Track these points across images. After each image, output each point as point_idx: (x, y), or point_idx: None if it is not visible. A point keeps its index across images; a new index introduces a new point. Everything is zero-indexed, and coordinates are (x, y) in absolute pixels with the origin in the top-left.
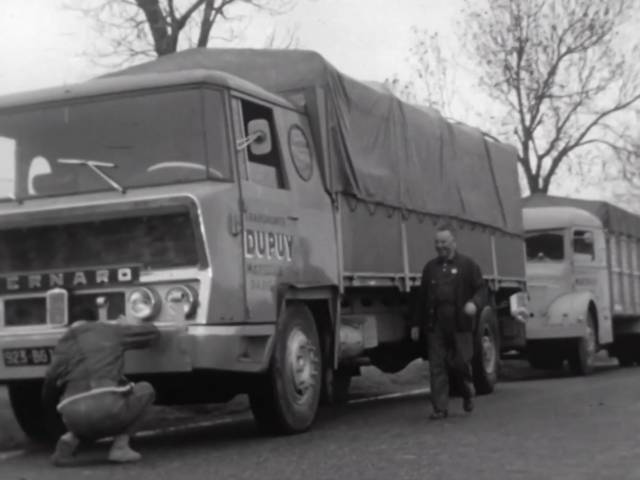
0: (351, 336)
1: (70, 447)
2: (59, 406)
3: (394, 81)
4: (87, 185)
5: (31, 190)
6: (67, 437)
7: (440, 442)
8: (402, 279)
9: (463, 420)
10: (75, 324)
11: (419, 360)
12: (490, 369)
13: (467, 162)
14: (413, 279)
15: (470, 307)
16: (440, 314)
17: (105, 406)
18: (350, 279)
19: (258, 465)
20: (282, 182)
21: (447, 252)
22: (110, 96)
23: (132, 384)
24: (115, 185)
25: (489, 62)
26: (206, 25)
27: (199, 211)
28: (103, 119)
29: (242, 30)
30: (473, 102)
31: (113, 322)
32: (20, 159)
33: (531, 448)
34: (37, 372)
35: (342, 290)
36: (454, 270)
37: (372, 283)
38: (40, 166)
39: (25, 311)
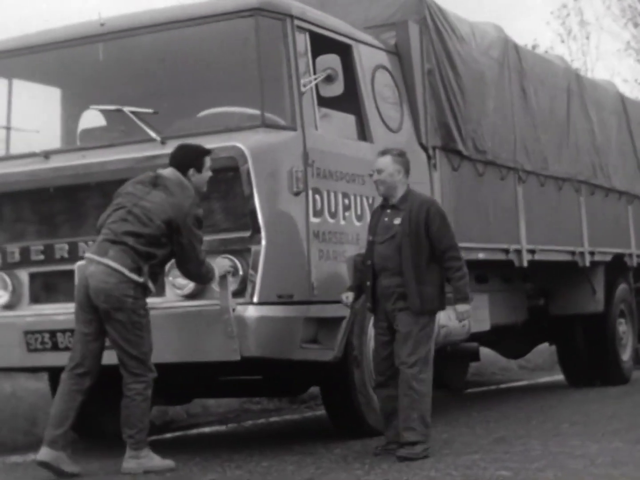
0: (454, 318)
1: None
2: None
3: (534, 47)
4: (125, 136)
5: (59, 143)
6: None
7: (549, 450)
8: (519, 252)
9: (584, 420)
10: (165, 171)
11: (546, 345)
12: (626, 356)
13: (600, 119)
14: (532, 251)
15: (463, 308)
16: (379, 288)
17: (109, 283)
18: None
19: None
20: (363, 133)
21: (387, 190)
22: (150, 29)
23: (152, 286)
24: (153, 134)
25: (636, 25)
26: None
27: (250, 164)
28: (143, 56)
29: None
30: (619, 68)
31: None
32: (46, 105)
33: None
34: (63, 359)
35: None
36: (396, 221)
37: (481, 256)
38: (71, 114)
39: (52, 286)
